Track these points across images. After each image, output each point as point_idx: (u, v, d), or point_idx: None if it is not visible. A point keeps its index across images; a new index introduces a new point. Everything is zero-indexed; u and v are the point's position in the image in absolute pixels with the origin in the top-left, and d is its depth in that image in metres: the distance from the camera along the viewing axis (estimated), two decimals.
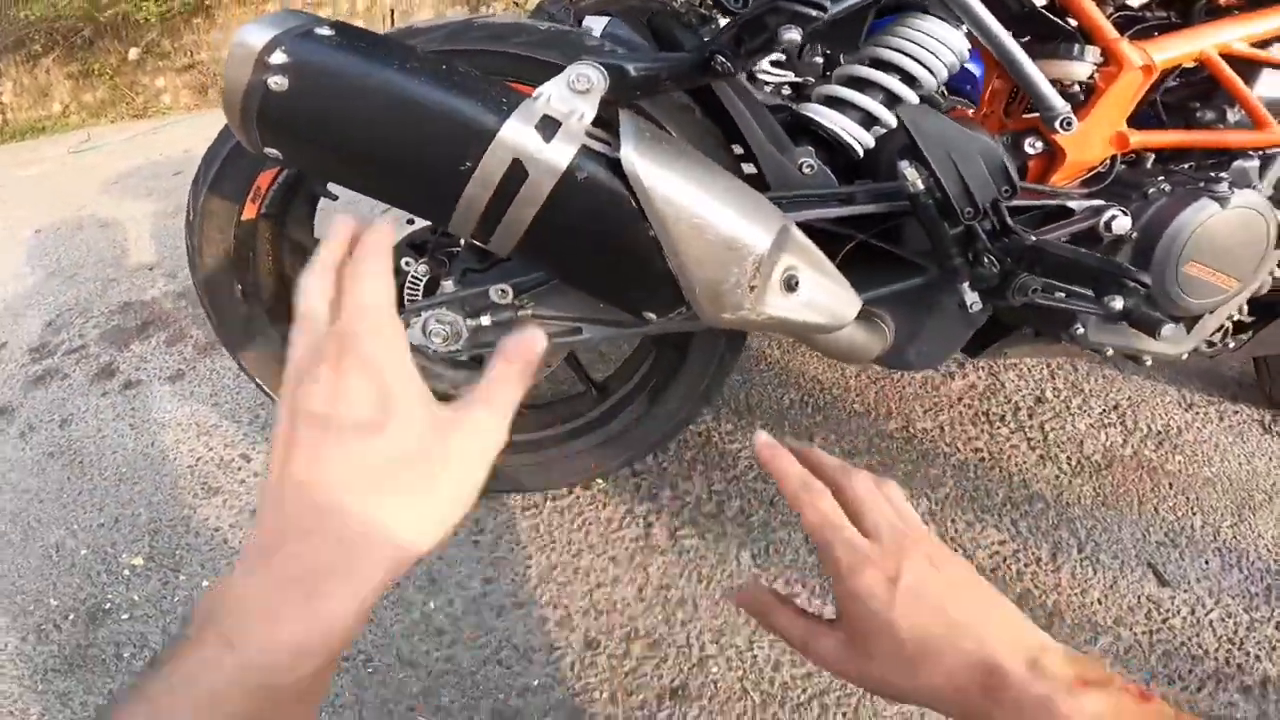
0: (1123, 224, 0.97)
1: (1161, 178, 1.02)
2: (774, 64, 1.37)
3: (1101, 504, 1.31)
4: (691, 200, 0.71)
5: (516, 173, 0.69)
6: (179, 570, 1.26)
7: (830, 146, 0.97)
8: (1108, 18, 0.99)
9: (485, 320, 0.91)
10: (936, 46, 0.91)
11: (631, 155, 0.70)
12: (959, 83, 1.47)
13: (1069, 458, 1.39)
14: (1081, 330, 1.01)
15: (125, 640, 1.15)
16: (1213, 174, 1.01)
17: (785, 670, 1.00)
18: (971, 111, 1.04)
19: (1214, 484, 1.39)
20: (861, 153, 0.95)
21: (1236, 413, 1.61)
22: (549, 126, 0.70)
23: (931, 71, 0.92)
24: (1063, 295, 0.93)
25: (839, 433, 1.41)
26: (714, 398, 1.14)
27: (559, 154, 0.70)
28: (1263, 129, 1.02)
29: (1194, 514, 1.32)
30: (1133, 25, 1.02)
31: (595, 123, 0.74)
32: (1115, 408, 1.53)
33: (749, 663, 1.01)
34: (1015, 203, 0.94)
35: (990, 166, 0.89)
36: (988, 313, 0.99)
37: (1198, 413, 1.57)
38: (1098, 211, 0.96)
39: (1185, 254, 0.97)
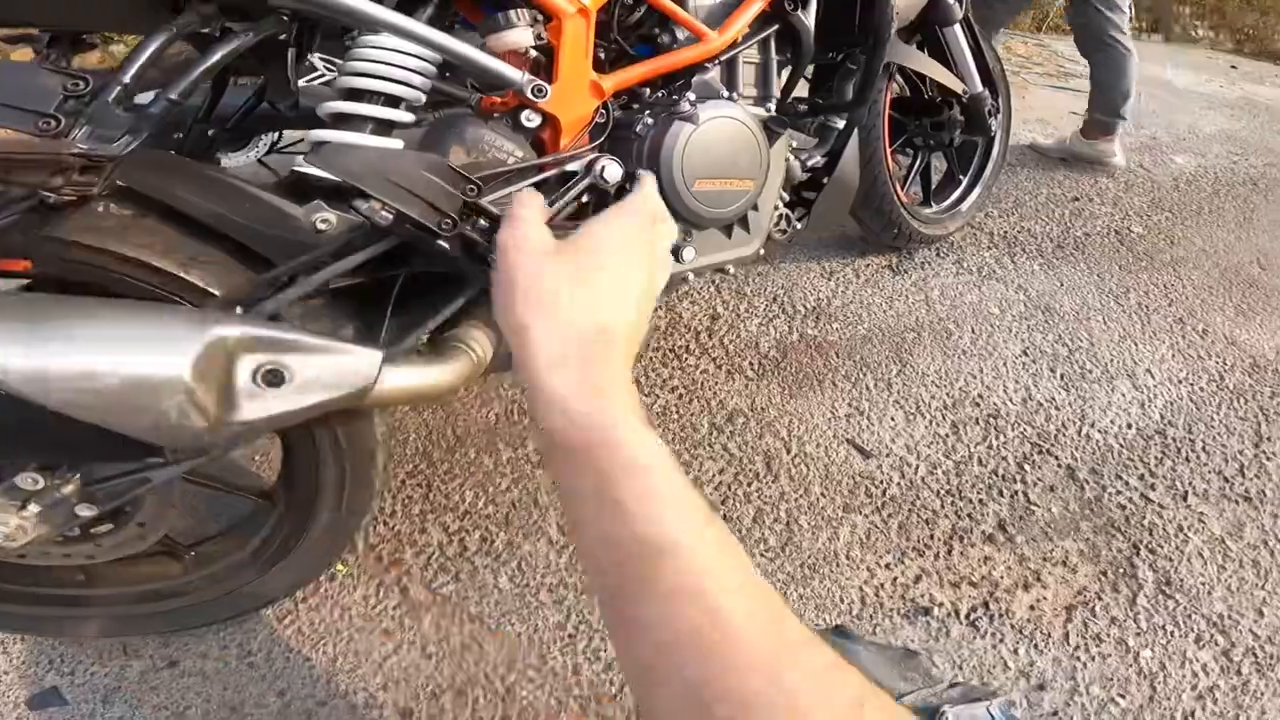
0: (614, 171, 0.96)
1: (645, 111, 1.04)
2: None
3: (790, 397, 1.32)
4: (58, 367, 0.61)
5: None
6: None
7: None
8: None
9: (35, 508, 0.76)
10: (398, 59, 0.84)
11: None
12: None
13: (750, 363, 1.39)
14: (675, 254, 1.03)
15: None
16: (680, 95, 1.05)
17: (585, 671, 1.00)
18: (499, 98, 0.99)
19: (870, 339, 1.48)
20: None
21: (868, 265, 1.76)
22: None
23: (411, 84, 0.85)
24: None
25: None
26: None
27: None
28: (704, 40, 1.07)
29: (864, 374, 1.38)
30: None
31: None
32: (774, 299, 1.57)
33: (550, 677, 1.01)
34: (531, 180, 0.91)
35: (442, 175, 0.83)
36: None
37: (839, 279, 1.67)
38: (590, 166, 0.95)
39: (686, 177, 1.02)
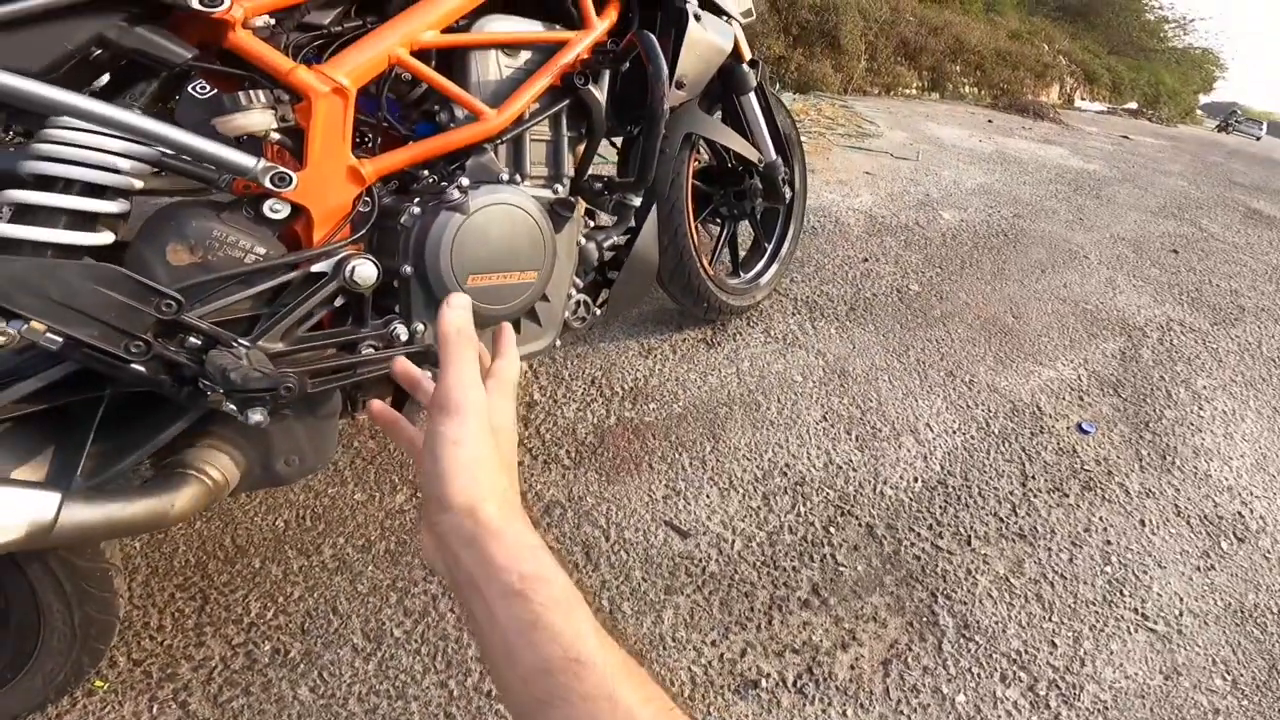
0: (366, 272, 0.91)
1: (413, 201, 0.99)
2: None
3: (607, 483, 1.35)
4: None
5: None
6: None
7: None
8: (296, 45, 0.92)
9: None
10: (97, 143, 0.76)
11: None
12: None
13: (567, 451, 1.41)
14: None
15: None
16: (452, 181, 1.00)
17: None
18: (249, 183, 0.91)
19: (686, 417, 1.56)
20: None
21: (684, 339, 1.86)
22: None
23: (117, 169, 0.77)
24: (349, 370, 0.92)
25: (347, 532, 1.21)
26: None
27: None
28: (482, 119, 1.03)
29: (680, 454, 1.45)
30: (330, 45, 0.96)
31: None
32: (593, 382, 1.62)
33: None
34: (278, 280, 0.85)
35: (123, 291, 0.75)
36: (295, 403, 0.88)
37: (656, 356, 1.75)
38: (340, 267, 0.89)
39: (457, 273, 0.96)
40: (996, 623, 1.22)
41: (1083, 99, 12.95)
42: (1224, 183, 5.39)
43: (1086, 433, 1.77)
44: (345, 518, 1.25)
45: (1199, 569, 1.41)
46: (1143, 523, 1.50)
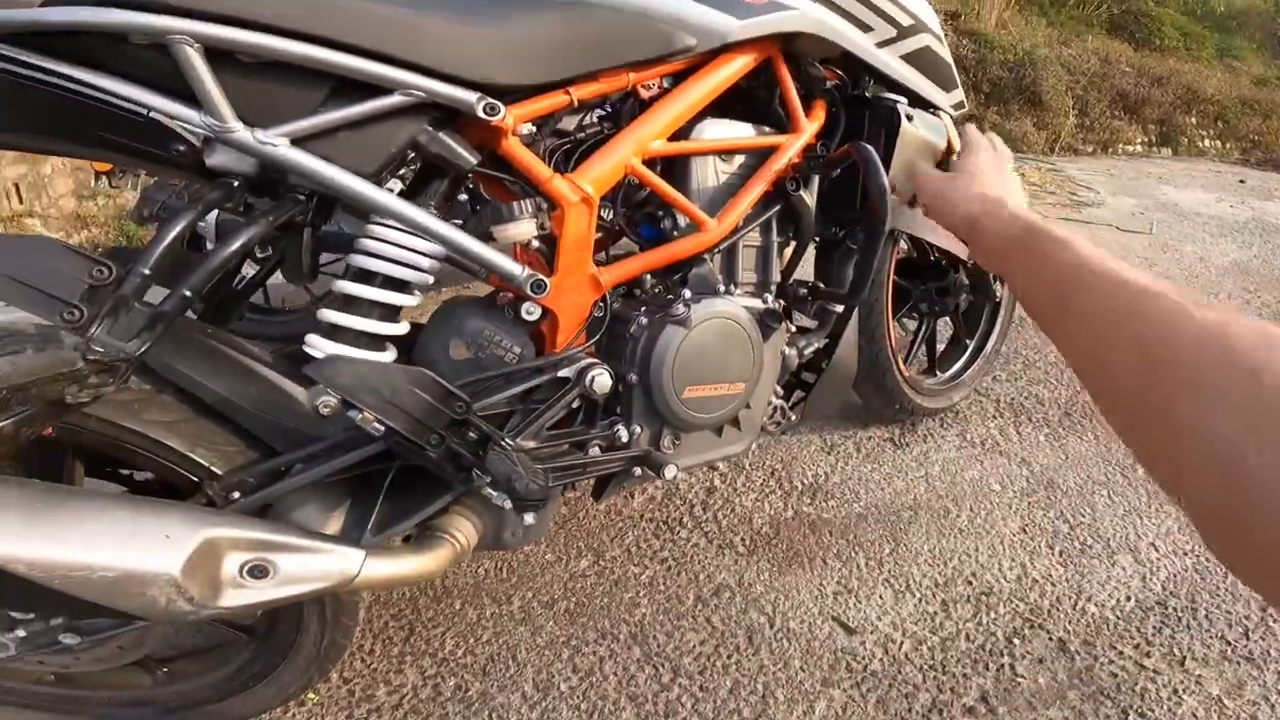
0: (604, 382, 0.99)
1: (640, 309, 1.07)
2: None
3: (779, 573, 1.41)
4: (53, 556, 0.67)
5: None
6: None
7: None
8: (549, 151, 1.03)
9: (21, 633, 0.82)
10: (404, 241, 0.89)
11: None
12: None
13: (742, 539, 1.49)
14: (658, 470, 1.09)
15: None
16: (676, 292, 1.08)
17: None
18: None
19: (866, 517, 1.57)
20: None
21: (869, 438, 1.87)
22: None
23: (418, 267, 0.91)
24: (579, 469, 1.03)
25: (535, 587, 1.38)
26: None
27: None
28: (703, 229, 1.09)
29: (857, 553, 1.47)
30: (576, 150, 1.06)
31: None
32: (773, 474, 1.69)
33: None
34: (524, 385, 0.97)
35: (431, 392, 0.88)
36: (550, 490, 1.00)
37: (838, 453, 1.79)
38: (581, 374, 1.00)
39: (676, 384, 1.04)
40: None
41: None
42: None
43: None
44: (535, 574, 1.41)
45: None
46: None
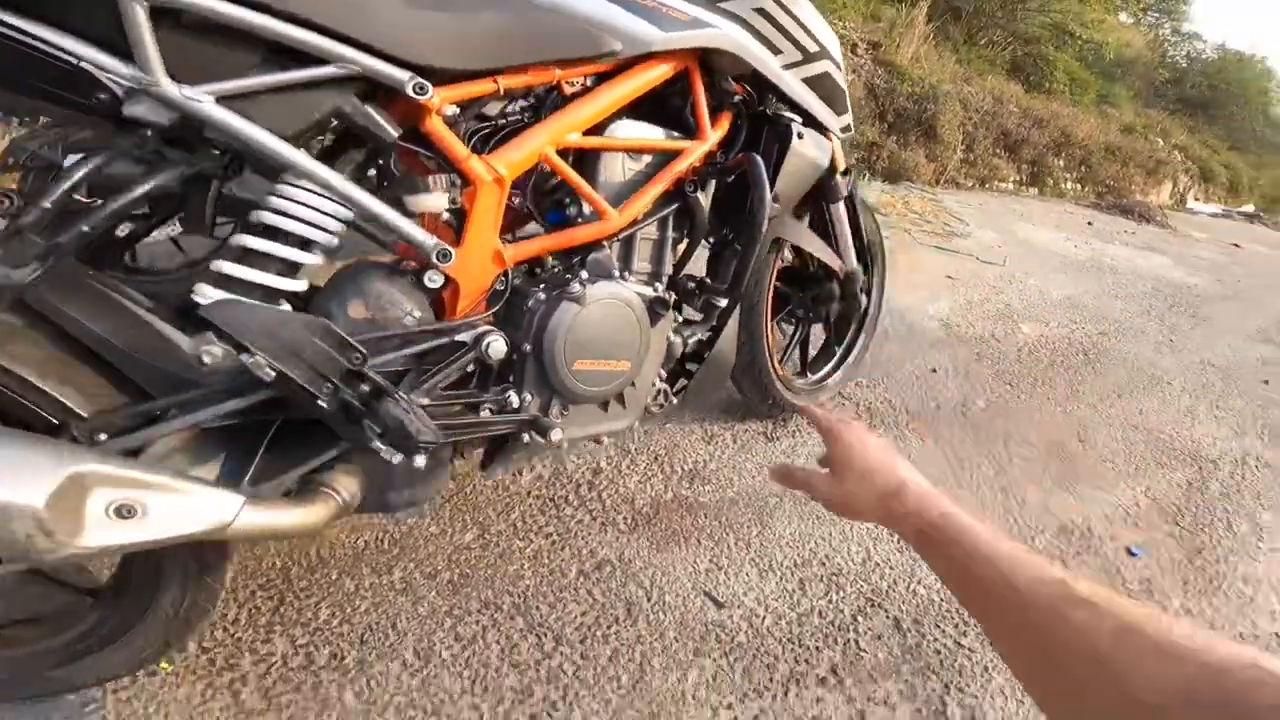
0: (499, 347, 1.06)
1: (539, 286, 1.15)
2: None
3: (657, 551, 1.53)
4: None
5: None
6: None
7: None
8: (469, 132, 1.08)
9: None
10: (315, 202, 0.92)
11: None
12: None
13: (625, 517, 1.60)
14: (545, 434, 1.14)
15: None
16: (574, 273, 1.16)
17: None
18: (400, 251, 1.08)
19: (737, 502, 1.72)
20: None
21: (745, 431, 2.03)
22: None
23: (326, 229, 0.93)
24: (471, 428, 1.06)
25: (417, 559, 1.41)
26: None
27: None
28: (604, 218, 1.18)
29: (728, 534, 1.62)
30: (496, 134, 1.12)
31: None
32: (656, 459, 1.81)
33: None
34: (421, 347, 1.01)
35: (328, 341, 0.90)
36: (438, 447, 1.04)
37: (717, 443, 1.94)
38: (478, 340, 1.06)
39: (567, 357, 1.13)
40: (1004, 717, 1.31)
41: (1196, 199, 12.41)
42: None
43: (1135, 555, 1.83)
44: (418, 546, 1.45)
45: None
46: None
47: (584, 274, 1.16)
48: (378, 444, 0.95)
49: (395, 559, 1.42)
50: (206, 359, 0.86)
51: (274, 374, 0.86)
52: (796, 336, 2.14)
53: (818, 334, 2.20)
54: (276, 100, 0.85)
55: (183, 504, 0.80)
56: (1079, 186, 9.64)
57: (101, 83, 0.77)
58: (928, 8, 8.47)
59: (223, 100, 0.82)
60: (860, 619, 1.47)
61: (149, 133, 0.81)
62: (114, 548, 0.77)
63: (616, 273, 1.23)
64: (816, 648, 1.39)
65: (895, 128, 7.09)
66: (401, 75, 0.92)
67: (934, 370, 2.72)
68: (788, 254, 1.94)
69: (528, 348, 1.12)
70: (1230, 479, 2.32)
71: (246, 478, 0.94)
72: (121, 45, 0.76)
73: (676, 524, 1.62)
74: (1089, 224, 6.83)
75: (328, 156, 1.00)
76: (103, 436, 0.85)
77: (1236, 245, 7.61)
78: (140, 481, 0.77)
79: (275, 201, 0.91)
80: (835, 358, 2.21)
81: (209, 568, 1.02)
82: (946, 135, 7.30)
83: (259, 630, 1.23)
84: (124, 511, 0.75)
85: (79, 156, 0.81)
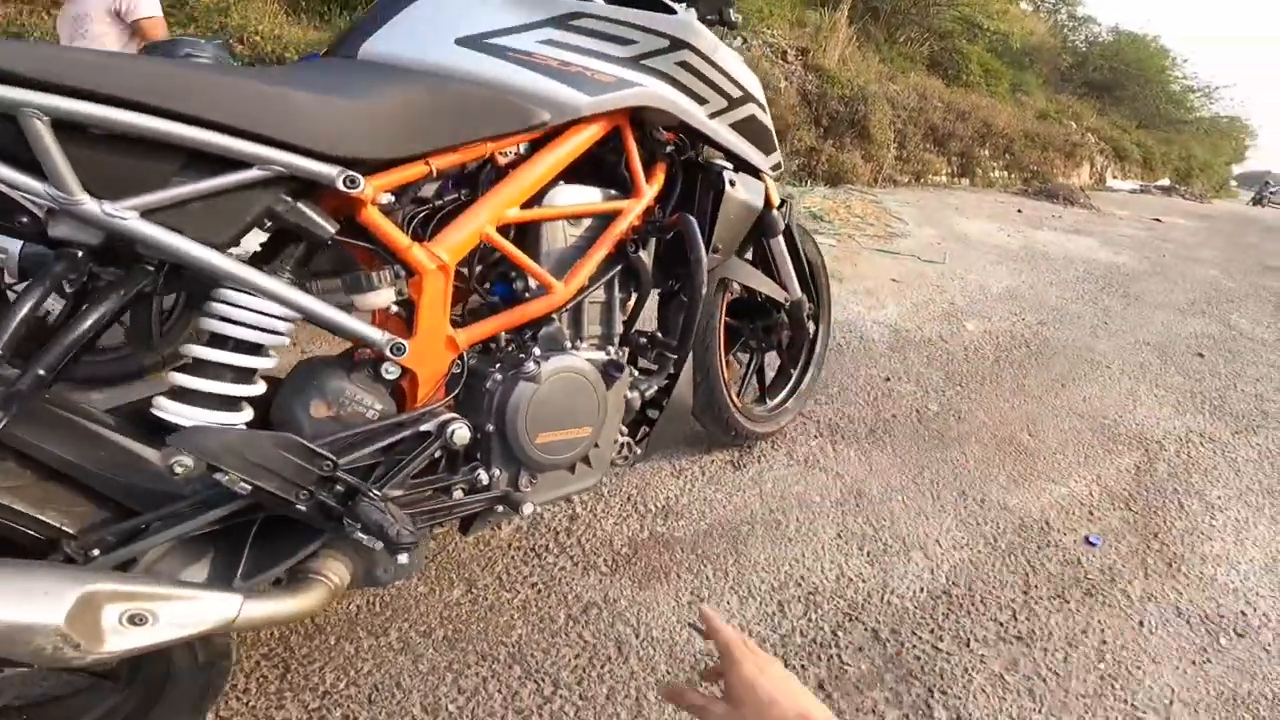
0: (463, 435, 1.09)
1: (495, 366, 1.18)
2: None
3: (639, 588, 1.59)
4: None
5: None
6: None
7: None
8: (408, 217, 1.09)
9: None
10: (259, 306, 0.91)
11: None
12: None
13: (605, 560, 1.66)
14: (517, 508, 1.19)
15: None
16: (527, 350, 1.19)
17: None
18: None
19: (711, 533, 1.79)
20: None
21: (712, 462, 2.11)
22: None
23: (275, 331, 0.94)
24: (445, 511, 1.12)
25: (411, 619, 1.45)
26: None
27: None
28: (550, 291, 1.21)
29: (705, 566, 1.69)
30: (435, 215, 1.13)
31: None
32: (629, 499, 1.88)
33: None
34: (388, 441, 1.04)
35: (296, 454, 0.92)
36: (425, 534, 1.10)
37: (686, 477, 2.01)
38: (442, 428, 1.09)
39: (529, 433, 1.17)
40: (988, 714, 1.39)
41: (1114, 177, 12.92)
42: (1256, 268, 5.48)
43: (1093, 545, 1.94)
44: (409, 606, 1.49)
45: (1194, 663, 1.55)
46: (1141, 624, 1.66)
47: (536, 350, 1.19)
48: (359, 535, 0.98)
49: (389, 620, 1.46)
50: (178, 469, 0.87)
51: (249, 488, 0.89)
52: (752, 366, 2.22)
53: (774, 359, 2.30)
54: (205, 208, 0.83)
55: (188, 607, 0.83)
56: (1006, 174, 9.95)
57: (20, 205, 0.76)
58: (848, 10, 8.77)
59: (148, 214, 0.79)
60: (840, 634, 1.55)
61: (79, 254, 0.80)
62: (134, 650, 0.80)
63: (568, 343, 1.26)
64: (802, 666, 1.46)
65: (830, 131, 7.31)
66: (330, 170, 0.90)
67: (887, 379, 2.84)
68: (736, 288, 2.00)
69: (490, 428, 1.16)
70: (1177, 458, 2.47)
71: (238, 575, 0.97)
72: (35, 163, 0.73)
73: (655, 561, 1.68)
74: (1019, 211, 7.10)
75: (271, 251, 0.99)
76: (96, 553, 0.88)
77: (1158, 220, 7.96)
78: (145, 594, 0.81)
79: (219, 308, 0.90)
80: (790, 382, 2.30)
81: (216, 648, 1.05)
82: (879, 134, 7.56)
83: (270, 698, 1.27)
84: (136, 620, 0.79)
85: (18, 292, 0.79)
